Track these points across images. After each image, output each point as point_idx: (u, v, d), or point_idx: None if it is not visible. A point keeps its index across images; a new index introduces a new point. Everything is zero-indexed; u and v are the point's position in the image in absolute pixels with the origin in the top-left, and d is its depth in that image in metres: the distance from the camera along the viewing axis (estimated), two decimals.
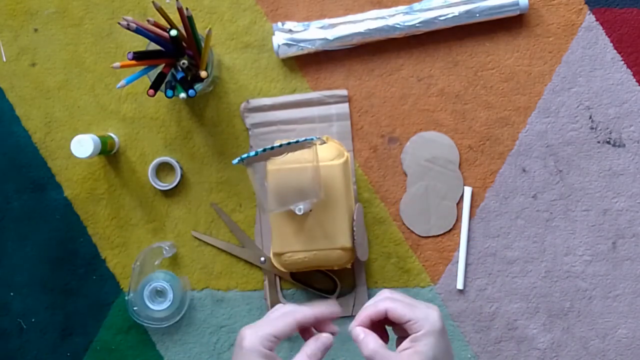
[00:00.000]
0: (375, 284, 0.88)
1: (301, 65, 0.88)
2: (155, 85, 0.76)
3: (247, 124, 0.88)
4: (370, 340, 0.61)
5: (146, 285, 0.87)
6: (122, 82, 0.74)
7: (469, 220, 0.87)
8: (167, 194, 0.89)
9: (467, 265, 0.87)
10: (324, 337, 0.64)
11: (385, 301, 0.62)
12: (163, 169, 0.89)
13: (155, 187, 0.88)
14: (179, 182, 0.88)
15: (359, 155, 0.88)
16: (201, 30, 0.80)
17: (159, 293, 0.87)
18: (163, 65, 0.79)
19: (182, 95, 0.77)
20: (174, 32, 0.74)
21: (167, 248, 0.87)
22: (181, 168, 0.88)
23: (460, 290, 0.87)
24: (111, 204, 0.90)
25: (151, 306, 0.87)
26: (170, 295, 0.86)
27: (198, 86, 0.80)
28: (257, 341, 0.60)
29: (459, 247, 0.87)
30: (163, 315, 0.87)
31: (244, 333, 0.61)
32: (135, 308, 0.87)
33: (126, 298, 0.87)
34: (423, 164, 0.86)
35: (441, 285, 0.88)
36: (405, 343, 0.61)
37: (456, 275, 0.87)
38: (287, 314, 0.62)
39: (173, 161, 0.88)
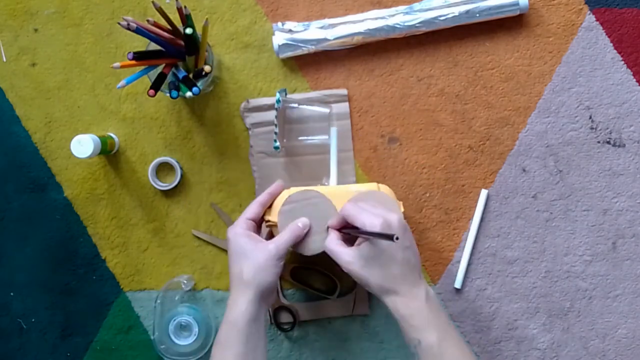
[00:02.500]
0: None
1: (301, 65, 0.88)
2: (156, 86, 0.76)
3: (247, 123, 0.88)
4: (329, 237, 0.73)
5: (170, 322, 0.87)
6: (122, 82, 0.74)
7: (479, 222, 0.86)
8: (167, 194, 0.89)
9: (470, 264, 0.87)
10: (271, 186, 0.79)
11: (345, 207, 0.73)
12: (163, 169, 0.89)
13: (155, 187, 0.88)
14: (179, 182, 0.88)
15: (359, 155, 0.88)
16: (200, 30, 0.80)
17: (184, 328, 0.87)
18: (163, 65, 0.79)
19: (188, 94, 0.77)
20: (189, 30, 0.74)
21: (185, 282, 0.87)
22: (181, 168, 0.88)
23: (457, 290, 0.87)
24: (111, 204, 0.90)
25: (177, 342, 0.87)
26: (196, 329, 0.86)
27: (201, 83, 0.80)
28: (237, 227, 0.75)
29: (459, 246, 0.87)
30: (190, 349, 0.87)
31: (227, 231, 0.76)
32: (162, 346, 0.86)
33: (152, 338, 0.87)
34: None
35: (441, 285, 0.88)
36: (358, 241, 0.71)
37: (456, 275, 0.87)
38: (253, 203, 0.77)
39: (173, 161, 0.88)
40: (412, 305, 0.69)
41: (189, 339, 0.86)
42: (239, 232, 0.75)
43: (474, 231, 0.86)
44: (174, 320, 0.87)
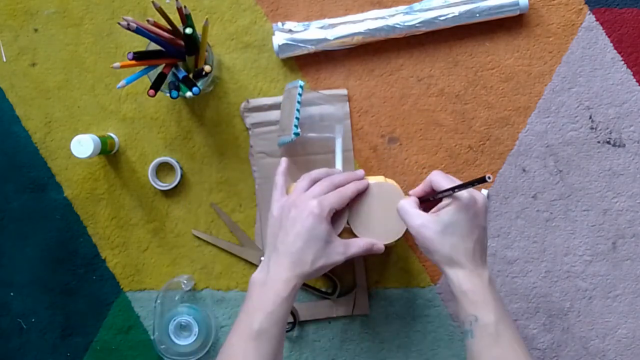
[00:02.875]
0: (376, 284, 0.88)
1: (301, 65, 0.88)
2: (156, 86, 0.76)
3: (247, 123, 0.88)
4: (404, 200, 0.73)
5: (170, 322, 0.87)
6: (122, 82, 0.74)
7: None
8: (167, 194, 0.89)
9: None
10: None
11: (433, 174, 0.72)
12: (163, 169, 0.89)
13: (155, 187, 0.88)
14: (179, 182, 0.88)
15: (359, 155, 0.88)
16: (200, 30, 0.80)
17: (184, 328, 0.87)
18: (163, 65, 0.79)
19: (188, 94, 0.77)
20: (189, 30, 0.74)
21: (185, 282, 0.87)
22: (181, 168, 0.88)
23: None
24: (111, 204, 0.90)
25: (177, 342, 0.86)
26: (196, 329, 0.86)
27: (201, 83, 0.80)
28: (326, 211, 0.71)
29: None
30: (190, 349, 0.87)
31: (307, 203, 0.72)
32: (162, 346, 0.86)
33: (152, 338, 0.87)
34: None
35: (441, 285, 0.88)
36: (433, 209, 0.71)
37: None
38: (341, 192, 0.74)
39: (173, 161, 0.88)
40: (475, 282, 0.67)
41: (189, 339, 0.86)
42: (325, 218, 0.71)
43: None
44: (174, 320, 0.87)
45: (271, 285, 0.70)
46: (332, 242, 0.72)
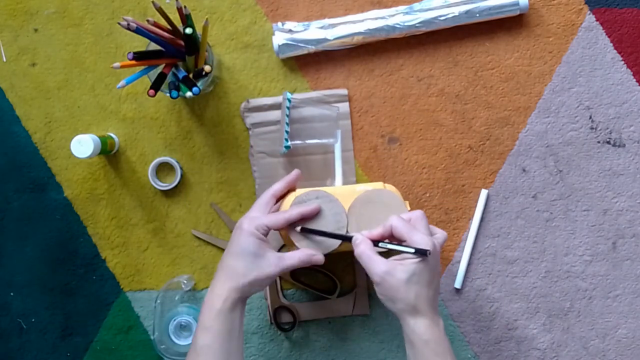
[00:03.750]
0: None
1: (301, 65, 0.88)
2: (156, 86, 0.76)
3: (247, 123, 0.88)
4: (363, 244, 0.71)
5: (170, 322, 0.87)
6: (122, 82, 0.74)
7: (479, 222, 0.86)
8: (167, 194, 0.89)
9: (470, 264, 0.87)
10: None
11: (393, 219, 0.71)
12: (163, 169, 0.89)
13: (155, 187, 0.88)
14: (179, 182, 0.88)
15: (359, 155, 0.88)
16: (200, 30, 0.80)
17: (184, 328, 0.87)
18: (163, 65, 0.79)
19: (188, 94, 0.77)
20: (189, 30, 0.74)
21: (184, 282, 0.87)
22: (181, 168, 0.88)
23: (457, 289, 0.87)
24: (111, 204, 0.90)
25: (177, 341, 0.86)
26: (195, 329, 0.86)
27: (201, 83, 0.80)
28: (254, 227, 0.72)
29: (459, 246, 0.87)
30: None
31: (242, 221, 0.74)
32: (162, 346, 0.86)
33: (152, 338, 0.87)
34: None
35: (441, 285, 0.88)
36: (397, 256, 0.69)
37: (456, 275, 0.87)
38: (278, 214, 0.74)
39: (173, 161, 0.88)
40: (436, 332, 0.68)
41: (189, 339, 0.86)
42: (254, 232, 0.72)
43: (474, 231, 0.86)
44: (174, 320, 0.87)
45: (208, 300, 0.72)
46: (263, 256, 0.72)
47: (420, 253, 0.68)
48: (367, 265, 0.69)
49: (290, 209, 0.75)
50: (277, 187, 0.77)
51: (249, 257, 0.72)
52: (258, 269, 0.72)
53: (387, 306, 0.70)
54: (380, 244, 0.71)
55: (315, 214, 0.75)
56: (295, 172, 0.79)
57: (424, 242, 0.68)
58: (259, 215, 0.74)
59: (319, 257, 0.74)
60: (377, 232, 0.72)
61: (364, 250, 0.70)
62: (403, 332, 0.70)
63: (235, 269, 0.72)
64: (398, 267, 0.68)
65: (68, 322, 0.90)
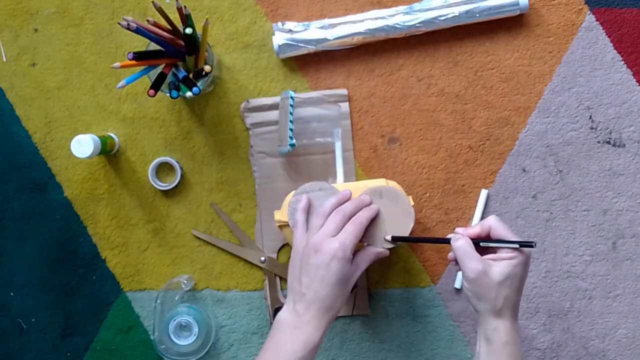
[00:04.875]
0: (376, 284, 0.88)
1: (301, 65, 0.88)
2: (156, 86, 0.76)
3: (247, 123, 0.88)
4: (463, 239, 0.70)
5: (170, 322, 0.87)
6: (122, 82, 0.74)
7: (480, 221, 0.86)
8: (167, 193, 0.89)
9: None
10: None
11: (492, 219, 0.70)
12: (163, 169, 0.89)
13: (155, 187, 0.88)
14: (179, 182, 0.88)
15: (359, 155, 0.88)
16: (200, 30, 0.80)
17: (184, 328, 0.87)
18: (163, 65, 0.79)
19: (188, 94, 0.77)
20: (189, 30, 0.74)
21: (184, 281, 0.87)
22: (181, 168, 0.88)
23: (457, 289, 0.87)
24: (111, 204, 0.90)
25: (177, 342, 0.86)
26: (196, 329, 0.86)
27: (201, 83, 0.81)
28: (348, 251, 0.70)
29: None
30: (190, 349, 0.86)
31: (334, 246, 0.70)
32: (162, 346, 0.86)
33: (152, 338, 0.87)
34: None
35: (441, 285, 0.88)
36: (492, 255, 0.69)
37: (456, 275, 0.87)
38: (356, 224, 0.72)
39: (173, 161, 0.88)
40: (515, 335, 0.69)
41: (189, 339, 0.86)
42: (349, 259, 0.71)
43: None
44: (174, 320, 0.87)
45: (304, 330, 0.70)
46: (351, 276, 0.72)
47: (526, 246, 0.67)
48: (462, 261, 0.69)
49: (359, 217, 0.73)
50: (358, 228, 0.73)
51: (347, 286, 0.72)
52: (347, 291, 0.72)
53: (472, 302, 0.70)
54: (481, 243, 0.70)
55: (376, 215, 0.76)
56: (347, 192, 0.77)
57: (525, 248, 0.68)
58: (342, 235, 0.72)
59: (384, 253, 0.76)
60: (474, 230, 0.71)
61: (463, 244, 0.69)
62: (480, 328, 0.70)
63: (334, 302, 0.71)
64: (494, 267, 0.68)
65: (68, 322, 0.90)
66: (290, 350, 0.69)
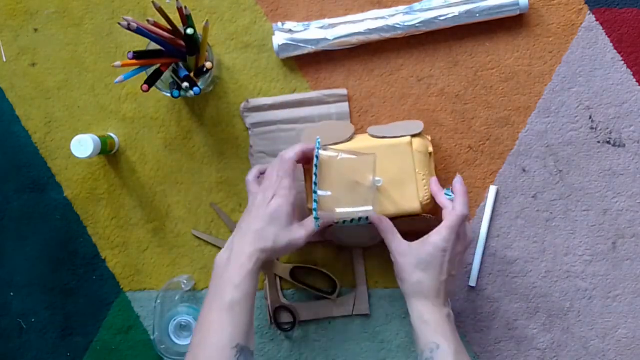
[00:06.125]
0: (376, 284, 0.88)
1: (301, 65, 0.88)
2: (150, 81, 0.76)
3: (247, 123, 0.88)
4: (384, 220, 0.77)
5: (170, 322, 0.87)
6: (121, 78, 0.74)
7: (490, 219, 0.86)
8: (167, 194, 0.89)
9: (470, 264, 0.87)
10: None
11: (434, 185, 0.78)
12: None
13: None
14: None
15: None
16: (200, 30, 0.80)
17: (184, 328, 0.87)
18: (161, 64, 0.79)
19: (190, 93, 0.77)
20: (190, 31, 0.74)
21: (184, 282, 0.87)
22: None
23: (472, 287, 0.87)
24: (111, 204, 0.90)
25: (177, 342, 0.86)
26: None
27: (201, 82, 0.81)
28: (289, 200, 0.75)
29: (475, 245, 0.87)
30: None
31: (272, 191, 0.75)
32: (162, 346, 0.86)
33: (152, 338, 0.87)
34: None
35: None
36: (418, 241, 0.75)
37: (469, 274, 0.87)
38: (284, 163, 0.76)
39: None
40: (437, 315, 0.73)
41: (189, 338, 0.86)
42: (288, 208, 0.74)
43: (486, 228, 0.86)
44: (174, 320, 0.87)
45: (236, 260, 0.73)
46: (292, 224, 0.75)
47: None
48: (387, 243, 0.76)
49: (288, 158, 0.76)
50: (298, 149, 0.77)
51: (281, 224, 0.74)
52: (289, 235, 0.74)
53: (398, 283, 0.76)
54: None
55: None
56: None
57: (452, 214, 0.74)
58: (282, 181, 0.76)
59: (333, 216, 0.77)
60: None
61: (388, 227, 0.76)
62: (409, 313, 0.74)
63: (265, 233, 0.73)
64: (411, 251, 0.74)
65: (68, 322, 0.90)
66: (228, 282, 0.72)
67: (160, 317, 0.87)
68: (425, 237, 0.74)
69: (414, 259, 0.73)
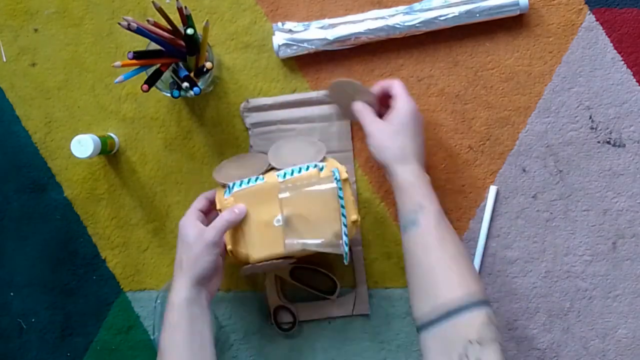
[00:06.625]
0: (376, 284, 0.88)
1: (301, 65, 0.88)
2: (150, 81, 0.76)
3: (247, 123, 0.88)
4: (359, 102, 0.82)
5: None
6: (121, 78, 0.74)
7: (490, 219, 0.86)
8: (167, 194, 0.89)
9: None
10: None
11: (393, 81, 0.81)
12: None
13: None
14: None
15: (359, 155, 0.88)
16: (201, 30, 0.80)
17: None
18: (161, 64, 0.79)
19: (190, 93, 0.77)
20: (190, 31, 0.74)
21: None
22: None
23: None
24: (111, 204, 0.90)
25: None
26: None
27: (201, 82, 0.81)
28: (186, 218, 0.77)
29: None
30: None
31: (180, 223, 0.77)
32: None
33: (152, 338, 0.87)
34: None
35: None
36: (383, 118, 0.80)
37: None
38: (200, 196, 0.81)
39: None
40: (421, 177, 0.76)
41: None
42: (186, 223, 0.76)
43: (486, 227, 0.86)
44: None
45: (168, 299, 0.74)
46: (198, 235, 0.74)
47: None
48: (361, 119, 0.80)
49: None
50: (208, 193, 0.82)
51: (187, 244, 0.75)
52: (194, 251, 0.74)
53: (379, 159, 0.78)
54: None
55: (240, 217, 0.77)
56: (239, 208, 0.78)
57: (408, 102, 0.79)
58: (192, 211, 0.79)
59: (241, 208, 0.77)
60: (375, 88, 0.83)
61: (362, 107, 0.81)
62: (392, 184, 0.77)
63: (180, 262, 0.74)
64: (386, 123, 0.79)
65: (68, 322, 0.90)
66: (163, 322, 0.73)
67: (161, 317, 0.87)
68: (390, 110, 0.79)
69: (393, 127, 0.78)
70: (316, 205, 0.76)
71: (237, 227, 0.77)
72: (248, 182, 0.78)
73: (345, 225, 0.75)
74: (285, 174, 0.79)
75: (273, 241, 0.76)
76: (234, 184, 0.79)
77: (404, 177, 0.75)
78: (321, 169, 0.78)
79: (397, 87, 0.80)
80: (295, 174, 0.78)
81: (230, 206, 0.77)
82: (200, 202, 0.80)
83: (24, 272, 0.90)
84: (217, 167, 0.84)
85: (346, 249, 0.75)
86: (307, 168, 0.79)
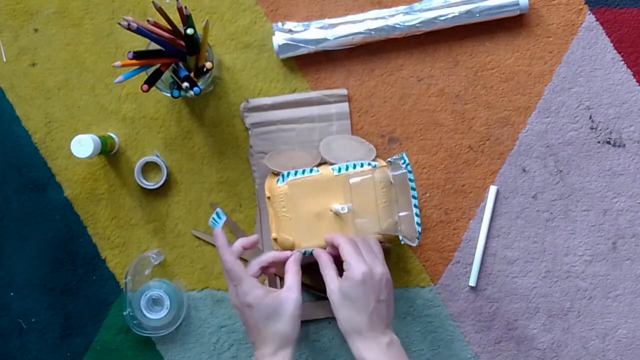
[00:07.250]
0: None
1: (301, 65, 0.88)
2: (150, 81, 0.76)
3: (247, 123, 0.88)
4: (323, 254, 0.76)
5: (142, 297, 0.87)
6: (120, 78, 0.74)
7: (490, 219, 0.86)
8: (167, 194, 0.89)
9: (470, 264, 0.87)
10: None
11: (340, 238, 0.75)
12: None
13: (144, 188, 0.88)
14: (165, 181, 0.88)
15: None
16: (201, 30, 0.80)
17: (156, 302, 0.87)
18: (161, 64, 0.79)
19: (190, 93, 0.77)
20: (190, 31, 0.74)
21: (154, 256, 0.87)
22: (167, 167, 0.88)
23: (472, 287, 0.87)
24: (111, 204, 0.90)
25: (149, 316, 0.86)
26: (167, 302, 0.86)
27: (202, 82, 0.80)
28: (252, 292, 0.73)
29: (459, 246, 0.87)
30: (163, 322, 0.86)
31: (237, 298, 0.74)
32: (135, 322, 0.86)
33: (124, 314, 0.87)
34: None
35: (441, 285, 0.88)
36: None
37: (456, 275, 0.87)
38: (253, 263, 0.77)
39: (159, 160, 0.87)
40: (374, 348, 0.70)
41: (161, 312, 0.86)
42: (258, 295, 0.73)
43: (486, 227, 0.86)
44: (145, 295, 0.86)
45: None
46: (281, 299, 0.73)
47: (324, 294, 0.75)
48: (324, 279, 0.74)
49: (267, 254, 0.79)
50: (265, 258, 0.78)
51: (277, 314, 0.72)
52: (291, 314, 0.72)
53: None
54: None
55: (284, 259, 0.78)
56: (288, 255, 0.78)
57: (355, 265, 0.71)
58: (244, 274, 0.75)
59: (297, 256, 0.77)
60: (329, 240, 0.77)
61: (325, 262, 0.75)
62: None
63: (283, 332, 0.72)
64: (339, 288, 0.72)
65: (68, 322, 0.90)
66: None
67: (132, 293, 0.87)
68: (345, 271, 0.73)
69: (340, 295, 0.72)
70: (378, 193, 0.78)
71: (285, 215, 0.78)
72: (303, 173, 0.79)
73: (417, 207, 0.75)
74: (340, 168, 0.80)
75: (322, 232, 0.78)
76: (288, 173, 0.80)
77: (357, 350, 0.71)
78: (374, 167, 0.80)
79: (342, 249, 0.73)
80: (350, 169, 0.79)
81: (283, 194, 0.78)
82: (254, 270, 0.76)
83: (24, 272, 0.90)
84: (266, 156, 0.84)
85: (419, 228, 0.74)
86: (362, 165, 0.80)
